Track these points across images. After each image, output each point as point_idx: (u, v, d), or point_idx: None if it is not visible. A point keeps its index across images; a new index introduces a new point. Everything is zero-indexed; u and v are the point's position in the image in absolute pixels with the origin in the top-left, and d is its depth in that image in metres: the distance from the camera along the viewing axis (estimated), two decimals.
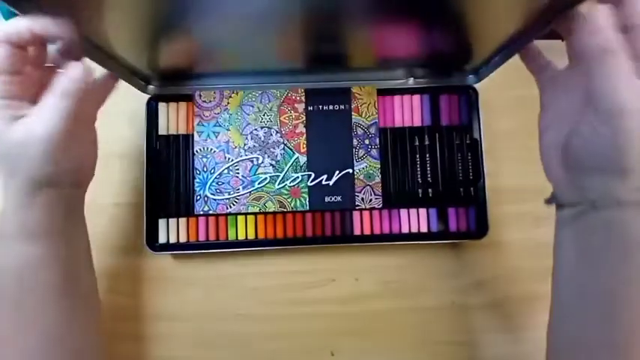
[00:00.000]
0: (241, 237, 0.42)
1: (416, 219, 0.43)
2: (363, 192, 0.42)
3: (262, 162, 0.42)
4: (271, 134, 0.42)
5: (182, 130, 0.43)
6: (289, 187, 0.42)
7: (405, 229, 0.43)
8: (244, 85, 0.43)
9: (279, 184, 0.42)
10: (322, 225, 0.42)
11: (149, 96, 0.43)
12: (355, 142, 0.42)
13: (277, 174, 0.42)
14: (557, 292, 0.31)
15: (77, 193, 0.34)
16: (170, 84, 0.43)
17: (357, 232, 0.43)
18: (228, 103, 0.42)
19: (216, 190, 0.41)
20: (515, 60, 0.47)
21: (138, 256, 0.44)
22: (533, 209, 0.46)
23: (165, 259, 0.44)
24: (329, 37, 0.38)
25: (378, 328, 0.44)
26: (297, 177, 0.42)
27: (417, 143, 0.44)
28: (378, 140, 0.43)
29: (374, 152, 0.42)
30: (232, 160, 0.42)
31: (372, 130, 0.43)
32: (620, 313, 0.27)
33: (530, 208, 0.46)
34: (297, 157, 0.42)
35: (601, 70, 0.25)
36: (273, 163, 0.42)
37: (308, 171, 0.42)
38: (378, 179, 0.42)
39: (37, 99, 0.28)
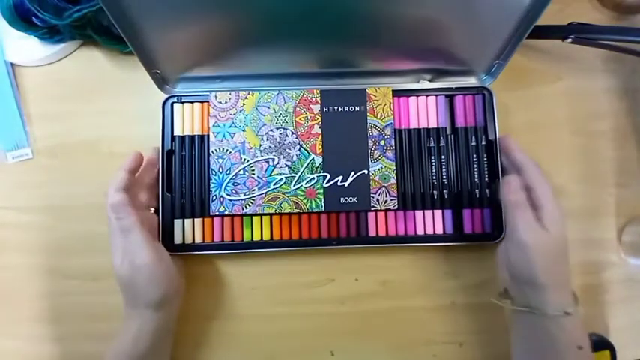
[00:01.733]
0: (256, 238, 0.42)
1: (431, 221, 0.43)
2: (378, 193, 0.42)
3: (278, 163, 0.42)
4: (287, 135, 0.42)
5: (197, 131, 0.43)
6: (305, 188, 0.42)
7: (420, 231, 0.43)
8: (260, 88, 0.43)
9: (294, 185, 0.42)
10: (337, 226, 0.42)
11: (166, 96, 0.43)
12: (371, 143, 0.42)
13: (293, 175, 0.42)
14: None
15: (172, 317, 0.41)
16: (187, 85, 0.43)
17: (372, 233, 0.43)
18: (243, 104, 0.42)
19: (232, 190, 0.41)
20: (525, 60, 0.48)
21: None
22: None
23: (175, 259, 0.44)
24: (347, 41, 0.39)
25: (378, 328, 0.44)
26: (313, 178, 0.42)
27: (432, 145, 0.44)
28: (393, 142, 0.43)
29: (389, 154, 0.42)
30: (248, 161, 0.42)
31: (388, 131, 0.43)
32: None
33: None
34: (313, 158, 0.42)
35: (513, 217, 0.37)
36: (289, 164, 0.42)
37: (323, 172, 0.42)
38: (393, 180, 0.42)
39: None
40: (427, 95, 0.44)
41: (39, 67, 0.46)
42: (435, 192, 0.43)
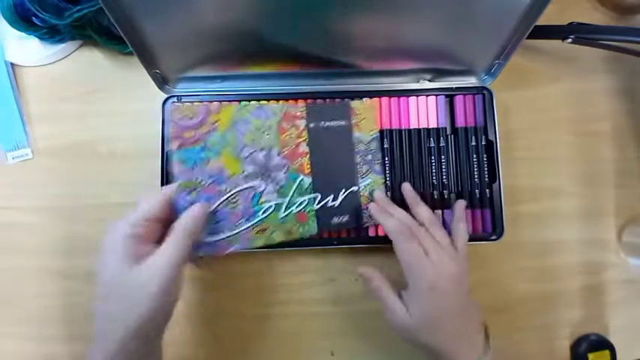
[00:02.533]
0: None
1: None
2: (369, 209, 0.40)
3: (265, 189, 0.37)
4: (272, 156, 0.38)
5: None
6: (295, 212, 0.38)
7: None
8: (253, 88, 0.43)
9: (284, 212, 0.38)
10: None
11: (166, 96, 0.43)
12: (358, 158, 0.41)
13: (282, 200, 0.38)
14: None
15: (157, 342, 0.34)
16: (187, 85, 0.43)
17: (372, 233, 0.43)
18: (217, 120, 0.36)
19: (211, 230, 0.35)
20: (525, 61, 0.48)
21: None
22: (544, 209, 0.46)
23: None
24: (347, 41, 0.39)
25: (378, 328, 0.44)
26: (304, 201, 0.38)
27: (432, 144, 0.44)
28: (380, 155, 0.42)
29: (377, 167, 0.41)
30: (229, 191, 0.36)
31: (373, 145, 0.41)
32: None
33: (541, 208, 0.46)
34: (302, 179, 0.38)
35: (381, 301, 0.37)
36: (277, 188, 0.38)
37: (314, 193, 0.39)
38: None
39: (160, 240, 0.32)
40: (427, 95, 0.44)
41: (39, 67, 0.46)
42: (435, 192, 0.43)
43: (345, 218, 0.40)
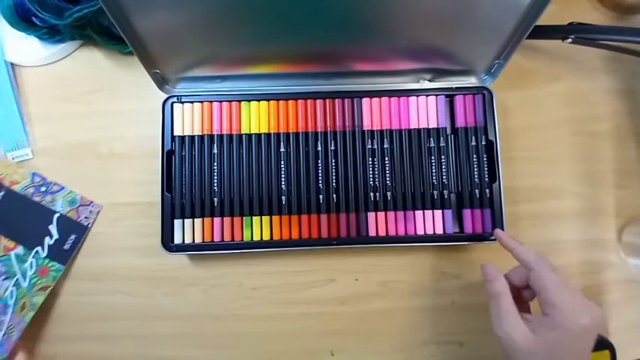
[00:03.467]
0: (256, 238, 0.42)
1: (431, 221, 0.43)
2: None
3: None
4: None
5: (197, 131, 0.43)
6: (34, 275, 0.42)
7: (420, 231, 0.43)
8: (253, 88, 0.43)
9: (26, 281, 0.42)
10: (337, 226, 0.42)
11: (166, 96, 0.43)
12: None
13: (15, 278, 0.42)
14: None
15: None
16: (187, 85, 0.43)
17: (372, 233, 0.43)
18: None
19: None
20: (525, 61, 0.48)
21: (152, 256, 0.44)
22: (544, 209, 0.46)
23: (177, 259, 0.44)
24: (347, 41, 0.39)
25: (378, 328, 0.44)
26: (31, 262, 0.42)
27: (432, 144, 0.44)
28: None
29: None
30: None
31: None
32: None
33: (541, 208, 0.46)
34: (13, 254, 0.42)
35: (493, 307, 0.35)
36: (4, 277, 0.41)
37: (30, 250, 0.42)
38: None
39: None
40: (427, 95, 0.44)
41: (39, 67, 0.46)
42: (435, 192, 0.43)
43: (72, 239, 0.43)
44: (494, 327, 0.34)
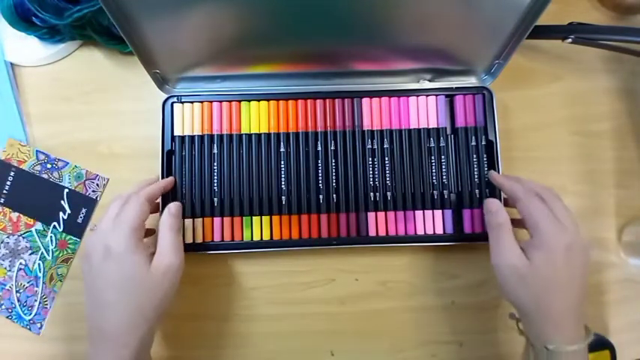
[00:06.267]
0: (256, 238, 0.42)
1: (431, 221, 0.43)
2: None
3: (26, 260, 0.44)
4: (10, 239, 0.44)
5: (198, 131, 0.43)
6: (56, 248, 0.44)
7: (420, 231, 0.43)
8: (253, 88, 0.43)
9: (50, 255, 0.44)
10: (337, 226, 0.42)
11: (166, 96, 0.43)
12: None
13: (40, 252, 0.44)
14: None
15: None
16: (187, 85, 0.43)
17: (372, 233, 0.43)
18: None
19: (26, 312, 0.43)
20: (525, 61, 0.48)
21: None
22: None
23: None
24: (346, 41, 0.39)
25: (378, 328, 0.44)
26: (50, 237, 0.44)
27: (432, 144, 0.44)
28: None
29: None
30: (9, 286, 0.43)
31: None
32: None
33: None
34: (34, 230, 0.44)
35: (492, 239, 0.37)
36: (30, 251, 0.43)
37: (48, 226, 0.44)
38: None
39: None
40: (427, 95, 0.44)
41: (39, 67, 0.46)
42: (435, 192, 0.43)
43: (83, 212, 0.44)
44: (492, 257, 0.36)
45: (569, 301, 0.34)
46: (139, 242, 0.34)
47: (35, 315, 0.43)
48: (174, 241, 0.36)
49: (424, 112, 0.44)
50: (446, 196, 0.43)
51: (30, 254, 0.43)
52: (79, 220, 0.44)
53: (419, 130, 0.44)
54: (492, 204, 0.38)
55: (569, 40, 0.42)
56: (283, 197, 0.43)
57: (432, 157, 0.43)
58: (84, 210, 0.44)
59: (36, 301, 0.43)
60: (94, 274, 0.34)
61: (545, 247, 0.34)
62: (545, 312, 0.34)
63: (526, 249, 0.35)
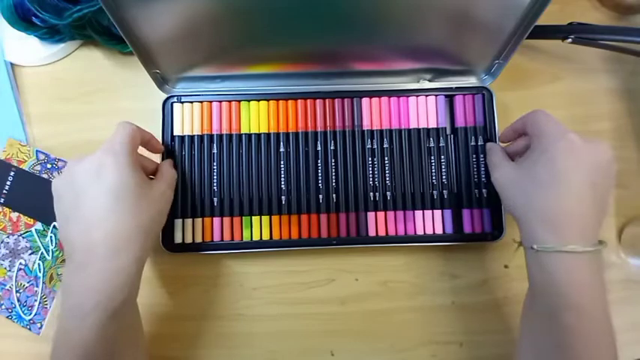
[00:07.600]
0: (256, 238, 0.42)
1: (431, 221, 0.43)
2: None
3: (26, 260, 0.43)
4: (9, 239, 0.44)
5: (197, 131, 0.43)
6: (55, 248, 0.44)
7: (420, 231, 0.43)
8: (253, 88, 0.43)
9: (50, 255, 0.44)
10: (337, 226, 0.42)
11: (166, 96, 0.43)
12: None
13: (40, 252, 0.43)
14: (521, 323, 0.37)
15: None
16: (187, 85, 0.43)
17: (372, 233, 0.43)
18: None
19: (26, 311, 0.42)
20: (525, 61, 0.48)
21: (152, 256, 0.44)
22: None
23: (177, 258, 0.44)
24: (346, 41, 0.39)
25: (378, 328, 0.44)
26: (50, 237, 0.44)
27: (432, 144, 0.44)
28: None
29: None
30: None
31: None
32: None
33: None
34: (34, 230, 0.44)
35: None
36: (30, 252, 0.43)
37: (48, 226, 0.44)
38: None
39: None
40: (427, 95, 0.44)
41: (39, 67, 0.46)
42: (435, 192, 0.43)
43: None
44: (491, 175, 0.40)
45: (571, 202, 0.31)
46: (137, 161, 0.34)
47: (35, 315, 0.43)
48: (174, 176, 0.40)
49: (424, 112, 0.44)
50: (446, 196, 0.43)
51: (30, 254, 0.43)
52: None
53: (419, 130, 0.44)
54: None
55: (569, 40, 0.42)
56: (283, 197, 0.43)
57: (432, 157, 0.43)
58: None
59: (36, 301, 0.43)
60: (80, 193, 0.32)
61: (538, 150, 0.34)
62: (539, 211, 0.32)
63: (520, 161, 0.36)
